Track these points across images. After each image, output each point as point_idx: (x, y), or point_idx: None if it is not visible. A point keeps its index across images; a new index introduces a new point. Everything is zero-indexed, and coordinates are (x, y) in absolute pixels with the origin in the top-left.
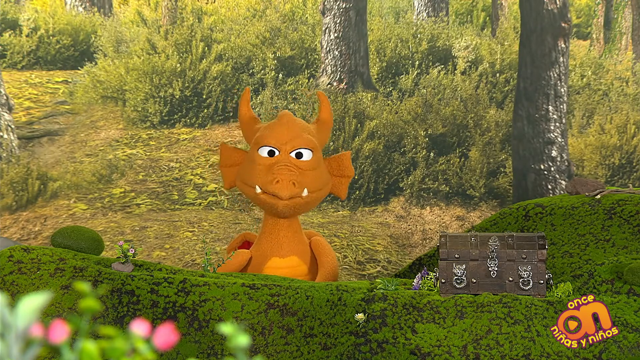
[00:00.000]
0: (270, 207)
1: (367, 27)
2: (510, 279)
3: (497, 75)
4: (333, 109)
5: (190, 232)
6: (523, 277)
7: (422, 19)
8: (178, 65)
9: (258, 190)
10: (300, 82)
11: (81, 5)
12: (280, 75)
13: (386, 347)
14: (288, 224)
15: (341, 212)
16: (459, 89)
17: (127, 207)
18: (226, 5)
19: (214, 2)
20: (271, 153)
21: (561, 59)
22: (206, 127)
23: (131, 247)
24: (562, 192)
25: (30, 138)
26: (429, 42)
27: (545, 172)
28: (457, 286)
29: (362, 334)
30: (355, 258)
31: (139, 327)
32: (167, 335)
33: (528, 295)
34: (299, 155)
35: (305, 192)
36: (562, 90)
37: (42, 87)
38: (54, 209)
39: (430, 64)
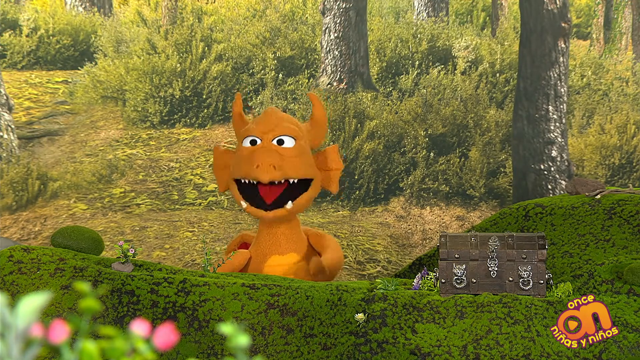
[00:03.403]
0: (258, 218)
1: (367, 27)
2: (510, 279)
3: (497, 75)
4: (333, 109)
5: (190, 232)
6: (523, 277)
7: (422, 19)
8: (178, 65)
9: (244, 204)
10: (300, 82)
11: (81, 5)
12: (280, 75)
13: (386, 347)
14: (286, 221)
15: (341, 212)
16: (459, 89)
17: (127, 207)
18: (226, 5)
19: (214, 2)
20: (253, 142)
21: (561, 59)
22: (206, 127)
23: (131, 247)
24: (562, 192)
25: (30, 138)
26: (429, 42)
27: (545, 172)
28: (457, 286)
29: (362, 334)
30: (355, 258)
31: (139, 327)
32: (167, 335)
33: (528, 295)
34: (280, 142)
35: (289, 205)
36: (562, 90)
37: (42, 87)
38: (54, 209)
39: (430, 64)
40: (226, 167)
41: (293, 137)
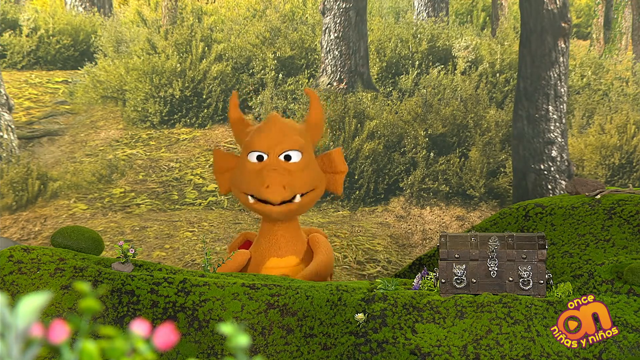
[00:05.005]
0: (265, 214)
1: (367, 27)
2: (510, 279)
3: (497, 75)
4: (333, 109)
5: (190, 232)
6: (523, 277)
7: (422, 19)
8: (178, 65)
9: (251, 200)
10: (300, 82)
11: (81, 5)
12: (280, 75)
13: (386, 347)
14: (286, 224)
15: (341, 212)
16: (459, 89)
17: (127, 207)
18: (226, 5)
19: (214, 2)
20: (260, 158)
21: (561, 59)
22: (206, 127)
23: (131, 247)
24: (562, 192)
25: (30, 138)
26: (429, 42)
27: (545, 172)
28: (457, 286)
29: (362, 334)
30: (355, 258)
31: (139, 327)
32: (167, 335)
33: (528, 295)
34: (287, 158)
35: (297, 199)
36: (562, 90)
37: (42, 87)
38: (54, 209)
39: (430, 64)
40: (228, 170)
41: (299, 151)
